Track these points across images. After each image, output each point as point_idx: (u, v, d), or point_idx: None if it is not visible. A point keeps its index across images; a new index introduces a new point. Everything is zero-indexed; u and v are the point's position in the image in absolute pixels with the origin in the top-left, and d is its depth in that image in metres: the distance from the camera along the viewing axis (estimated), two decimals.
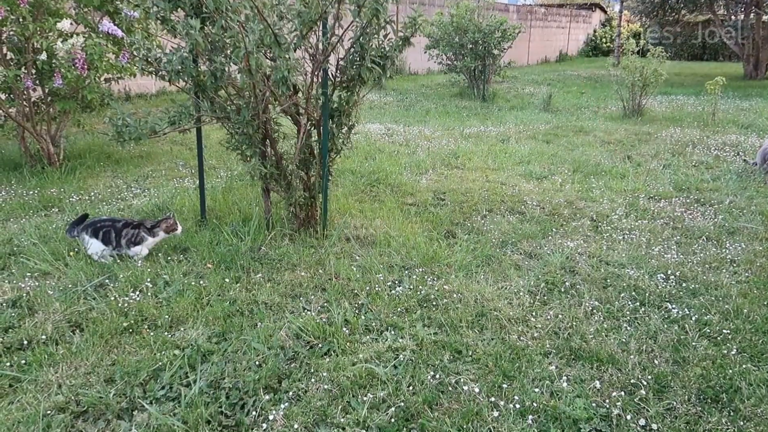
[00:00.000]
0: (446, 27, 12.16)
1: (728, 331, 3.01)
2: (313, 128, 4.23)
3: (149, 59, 3.74)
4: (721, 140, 7.90)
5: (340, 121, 4.22)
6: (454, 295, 3.36)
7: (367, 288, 3.43)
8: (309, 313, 3.14)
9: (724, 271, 3.79)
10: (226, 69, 3.87)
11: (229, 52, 3.79)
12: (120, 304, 3.17)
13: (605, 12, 31.08)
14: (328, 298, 3.31)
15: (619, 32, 23.61)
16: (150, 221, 3.88)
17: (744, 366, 2.70)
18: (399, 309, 3.20)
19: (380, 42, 4.08)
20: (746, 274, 3.73)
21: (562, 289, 3.49)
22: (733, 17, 19.00)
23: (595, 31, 29.68)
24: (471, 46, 11.97)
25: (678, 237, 4.38)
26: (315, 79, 4.01)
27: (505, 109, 11.14)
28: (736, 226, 4.57)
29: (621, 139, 8.03)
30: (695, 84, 14.85)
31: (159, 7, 3.62)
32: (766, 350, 2.84)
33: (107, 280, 3.48)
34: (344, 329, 2.95)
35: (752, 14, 17.55)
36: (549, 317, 3.15)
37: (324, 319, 3.06)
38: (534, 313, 3.19)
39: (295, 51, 3.82)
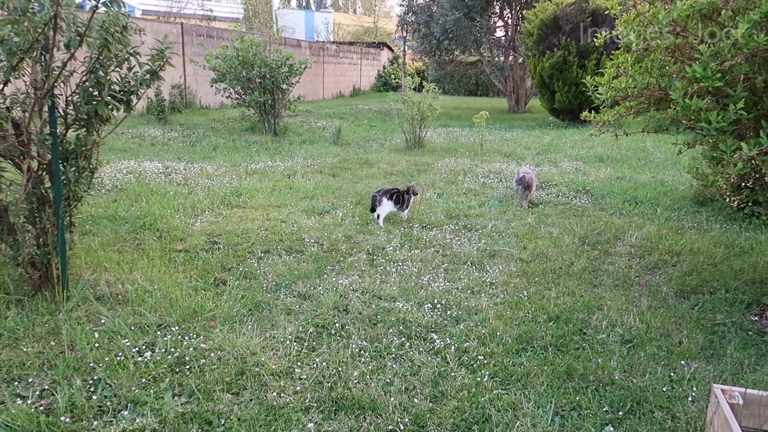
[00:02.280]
0: (232, 61, 11.85)
1: (483, 357, 3.11)
2: (44, 173, 3.62)
3: None
4: (487, 168, 8.68)
5: (77, 164, 3.68)
6: (212, 354, 3.02)
7: (108, 358, 2.94)
8: (23, 402, 2.56)
9: (483, 294, 3.99)
10: None
11: None
12: None
13: (392, 51, 33.32)
14: (56, 377, 2.76)
15: (404, 69, 25.42)
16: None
17: (495, 392, 2.79)
18: (145, 379, 2.78)
19: (124, 75, 3.67)
20: (502, 296, 3.97)
21: (332, 331, 3.36)
22: (497, 59, 21.57)
23: (384, 68, 31.63)
24: (259, 80, 11.80)
25: (446, 264, 4.57)
26: (41, 117, 3.44)
27: (296, 143, 11.12)
28: (495, 250, 4.91)
29: (402, 170, 8.40)
30: (469, 117, 16.33)
31: None
32: (515, 372, 2.98)
33: None
34: (65, 417, 2.45)
35: (511, 57, 20.09)
36: (315, 365, 2.98)
37: (42, 408, 2.51)
38: (300, 363, 3.00)
39: (5, 84, 3.24)
